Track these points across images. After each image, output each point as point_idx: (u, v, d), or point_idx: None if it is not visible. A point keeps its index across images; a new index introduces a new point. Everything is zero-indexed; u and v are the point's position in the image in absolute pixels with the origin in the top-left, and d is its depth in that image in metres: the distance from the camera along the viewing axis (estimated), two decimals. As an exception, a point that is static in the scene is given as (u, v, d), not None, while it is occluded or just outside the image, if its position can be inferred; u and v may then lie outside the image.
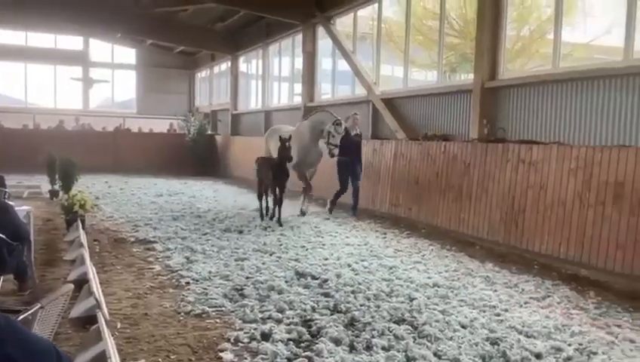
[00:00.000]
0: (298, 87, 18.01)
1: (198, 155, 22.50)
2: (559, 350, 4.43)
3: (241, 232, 9.26)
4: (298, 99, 17.80)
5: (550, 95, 8.41)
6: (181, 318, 5.04)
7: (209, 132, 24.30)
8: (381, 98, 12.63)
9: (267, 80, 20.61)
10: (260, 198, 10.94)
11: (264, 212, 10.81)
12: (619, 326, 5.17)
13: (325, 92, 16.93)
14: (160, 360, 4.11)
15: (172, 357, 4.17)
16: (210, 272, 6.55)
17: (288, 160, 9.89)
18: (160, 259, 7.26)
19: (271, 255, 7.59)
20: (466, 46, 12.42)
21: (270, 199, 10.87)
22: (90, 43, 26.97)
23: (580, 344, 4.59)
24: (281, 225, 9.91)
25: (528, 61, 10.88)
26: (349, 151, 10.96)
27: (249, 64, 23.04)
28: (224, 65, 25.09)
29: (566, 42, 8.77)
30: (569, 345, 4.56)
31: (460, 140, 9.98)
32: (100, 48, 27.25)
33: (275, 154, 10.71)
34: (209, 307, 5.30)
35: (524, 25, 11.15)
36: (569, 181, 7.40)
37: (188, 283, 6.15)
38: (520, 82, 8.95)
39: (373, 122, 13.17)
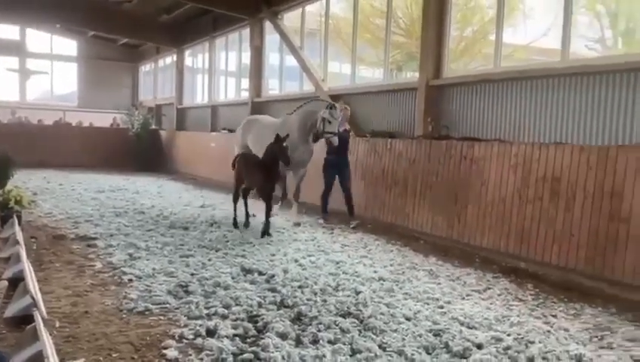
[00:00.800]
0: (245, 82, 17.88)
1: (141, 150, 21.96)
2: (499, 340, 4.56)
3: (186, 229, 9.10)
4: (245, 95, 17.67)
5: (491, 94, 8.66)
6: (123, 316, 4.91)
7: (153, 127, 23.76)
8: (329, 94, 12.66)
9: (214, 74, 20.34)
10: (235, 201, 9.46)
11: (238, 218, 9.37)
12: (554, 316, 5.39)
13: (273, 87, 16.87)
14: (101, 359, 3.99)
15: (114, 355, 4.05)
16: (154, 269, 6.40)
17: (286, 162, 8.45)
18: (101, 256, 7.05)
19: (217, 251, 7.50)
20: (412, 45, 12.63)
21: (251, 203, 9.67)
22: (27, 33, 25.84)
23: (519, 334, 4.74)
24: (269, 234, 8.53)
25: (471, 61, 11.17)
26: (337, 149, 9.59)
27: (195, 58, 22.68)
28: (169, 59, 24.60)
29: (507, 43, 9.05)
30: (508, 335, 4.71)
31: (405, 137, 10.14)
32: (38, 38, 26.15)
33: (255, 149, 9.83)
34: (152, 304, 5.18)
35: (468, 26, 11.44)
36: (509, 177, 7.64)
37: (131, 280, 5.99)
38: (463, 81, 9.17)
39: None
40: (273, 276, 6.27)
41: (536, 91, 7.92)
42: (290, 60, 15.22)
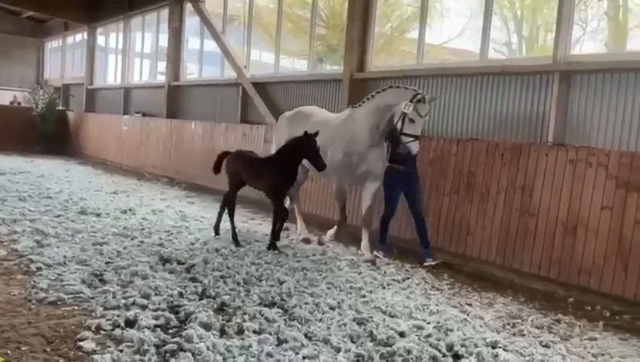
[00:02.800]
0: (162, 65, 17.26)
1: (47, 132, 20.62)
2: (420, 328, 4.69)
3: (98, 215, 8.66)
4: (162, 78, 17.06)
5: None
6: (32, 306, 4.59)
7: (60, 107, 22.41)
8: (252, 82, 12.49)
9: (128, 55, 19.45)
10: (225, 205, 7.79)
11: (221, 226, 7.84)
12: (470, 304, 5.63)
13: (191, 72, 16.39)
14: (9, 352, 3.70)
15: (23, 348, 3.77)
16: (65, 257, 6.04)
17: (319, 166, 6.76)
18: (5, 243, 6.56)
19: (132, 239, 7.19)
20: (333, 37, 12.71)
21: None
22: None
23: (438, 322, 4.90)
24: (275, 248, 7.08)
25: (389, 57, 11.40)
26: (404, 157, 7.10)
27: (107, 37, 21.58)
28: (79, 36, 23.26)
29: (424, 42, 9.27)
30: (428, 323, 4.85)
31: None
32: None
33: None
34: (65, 294, 4.88)
35: (387, 22, 11.66)
36: (427, 171, 7.87)
37: (39, 268, 5.61)
38: (387, 75, 9.33)
39: (242, 106, 13.00)
40: (194, 265, 6.11)
41: (455, 89, 8.20)
42: (210, 45, 14.85)
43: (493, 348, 4.40)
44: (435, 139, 8.04)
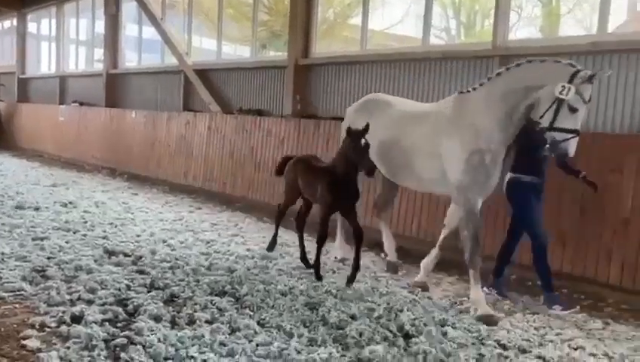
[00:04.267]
0: (99, 53, 16.67)
1: (-25, 124, 19.59)
2: (371, 310, 4.77)
3: (37, 209, 8.31)
4: (99, 66, 16.48)
5: (358, 75, 8.93)
6: (-30, 306, 4.38)
7: (-11, 98, 21.32)
8: (194, 69, 12.24)
9: (62, 42, 18.65)
10: (279, 219, 6.71)
11: (278, 244, 6.75)
12: (424, 288, 5.74)
13: (130, 59, 15.91)
14: (-54, 355, 3.53)
15: (-38, 350, 3.60)
16: (2, 253, 5.77)
17: (368, 171, 5.24)
18: None
19: (75, 233, 6.95)
20: (277, 23, 12.61)
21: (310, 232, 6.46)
22: None
23: (388, 303, 4.98)
24: (351, 281, 5.53)
25: (333, 43, 11.43)
26: (536, 163, 5.31)
27: (39, 23, 20.62)
28: (8, 23, 22.13)
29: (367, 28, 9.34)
30: (379, 305, 4.93)
31: (274, 115, 10.14)
32: None
33: (384, 156, 5.97)
34: (5, 292, 4.70)
35: (330, 8, 11.67)
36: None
37: (-25, 266, 5.35)
38: (332, 61, 9.35)
39: (185, 94, 12.75)
40: (140, 257, 5.99)
41: (399, 74, 8.30)
42: (150, 32, 14.45)
43: (442, 326, 4.53)
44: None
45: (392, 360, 3.81)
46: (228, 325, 4.26)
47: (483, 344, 4.23)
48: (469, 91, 5.42)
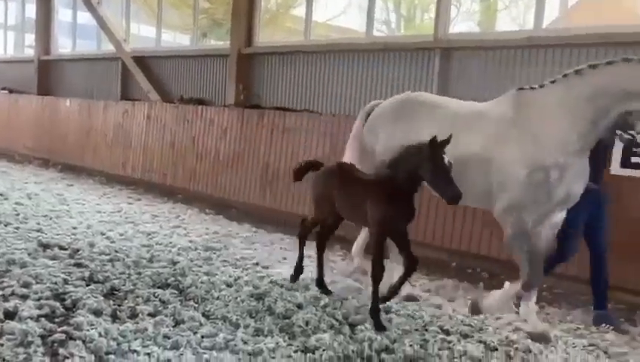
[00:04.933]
0: (30, 38, 15.89)
1: None
2: (317, 299, 4.79)
3: (-39, 202, 7.87)
4: (30, 52, 15.72)
5: (302, 65, 8.92)
6: None
7: None
8: (132, 56, 11.86)
9: (-12, 26, 17.65)
10: (303, 239, 5.41)
11: (303, 270, 5.39)
12: (367, 274, 5.80)
13: (64, 45, 15.24)
14: None
15: None
16: None
17: (454, 197, 4.10)
18: None
19: (7, 226, 6.60)
20: (218, 11, 12.38)
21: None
22: None
23: (334, 291, 5.04)
24: (379, 325, 4.31)
25: (276, 33, 11.35)
26: (598, 169, 4.79)
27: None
28: None
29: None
30: (330, 293, 4.96)
31: (217, 105, 9.98)
32: None
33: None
34: None
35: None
36: (318, 147, 7.98)
37: None
38: (275, 51, 9.29)
39: (122, 82, 12.34)
40: (78, 250, 5.78)
41: (343, 65, 8.34)
42: (85, 17, 13.89)
43: (387, 313, 4.60)
44: (325, 115, 8.14)
45: (338, 348, 3.83)
46: (172, 317, 4.17)
47: (427, 330, 4.33)
48: (529, 88, 4.53)
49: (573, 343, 4.29)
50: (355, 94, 8.20)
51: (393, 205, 4.42)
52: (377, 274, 4.45)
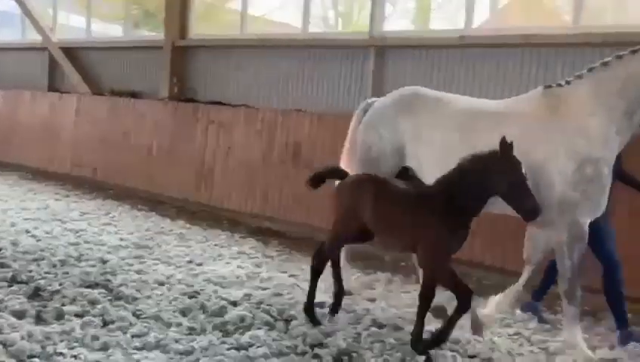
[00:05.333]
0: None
1: None
2: (252, 296, 4.77)
3: None
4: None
5: (238, 59, 8.82)
6: None
7: None
8: (60, 47, 11.36)
9: None
10: (320, 267, 4.48)
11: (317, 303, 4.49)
12: (302, 268, 5.82)
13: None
14: None
15: None
16: None
17: (533, 211, 3.66)
18: None
19: None
20: (150, 2, 12.05)
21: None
22: None
23: (269, 288, 5.02)
24: (425, 353, 3.85)
25: (211, 27, 11.18)
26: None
27: None
28: None
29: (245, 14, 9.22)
30: (263, 289, 4.95)
31: (149, 98, 9.73)
32: None
33: (430, 172, 4.31)
34: None
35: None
36: (255, 142, 7.94)
37: None
38: (211, 44, 9.16)
39: (50, 73, 11.81)
40: (0, 249, 5.49)
41: (279, 60, 8.31)
42: (6, 4, 13.18)
43: (321, 308, 4.62)
44: (262, 110, 8.10)
45: (272, 344, 3.83)
46: (100, 318, 4.05)
47: (359, 323, 4.38)
48: (560, 85, 4.27)
49: (499, 332, 4.46)
50: (292, 90, 8.19)
51: (450, 228, 3.77)
52: (423, 310, 3.86)
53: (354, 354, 3.81)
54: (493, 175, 3.61)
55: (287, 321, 4.30)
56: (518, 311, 4.83)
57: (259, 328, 4.11)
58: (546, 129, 4.12)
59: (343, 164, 4.99)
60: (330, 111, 7.66)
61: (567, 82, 4.24)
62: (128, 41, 10.64)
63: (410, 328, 4.32)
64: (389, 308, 4.81)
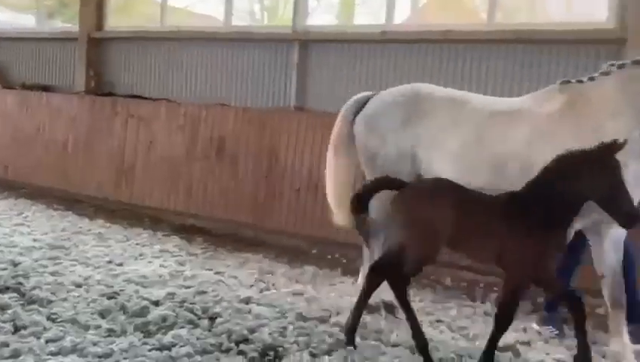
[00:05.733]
0: None
1: None
2: (175, 294, 4.64)
3: None
4: None
5: (158, 52, 8.58)
6: None
7: None
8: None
9: None
10: (373, 287, 3.86)
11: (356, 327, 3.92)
12: (227, 265, 5.77)
13: None
14: None
15: None
16: None
17: (635, 219, 3.20)
18: None
19: None
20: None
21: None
22: None
23: (193, 286, 4.91)
24: None
25: (130, 18, 10.80)
26: None
27: None
28: None
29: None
30: (186, 288, 4.84)
31: (64, 92, 9.28)
32: None
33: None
34: None
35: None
36: (177, 137, 7.75)
37: None
38: (129, 36, 8.86)
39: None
40: None
41: (201, 53, 8.15)
42: None
43: (247, 303, 4.59)
44: (184, 104, 7.92)
45: (196, 343, 3.74)
46: (11, 323, 3.82)
47: (285, 317, 4.37)
48: (580, 82, 4.00)
49: (421, 320, 4.57)
50: (216, 83, 8.06)
51: (543, 237, 3.37)
52: (503, 325, 3.45)
53: (279, 349, 3.79)
54: (590, 178, 3.21)
55: (212, 319, 4.22)
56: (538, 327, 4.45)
57: (182, 327, 4.00)
58: (567, 129, 3.82)
59: (329, 165, 4.71)
60: (255, 105, 7.60)
61: (591, 78, 3.96)
62: (41, 32, 10.09)
63: (335, 319, 4.38)
64: (315, 301, 4.83)
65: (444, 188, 3.62)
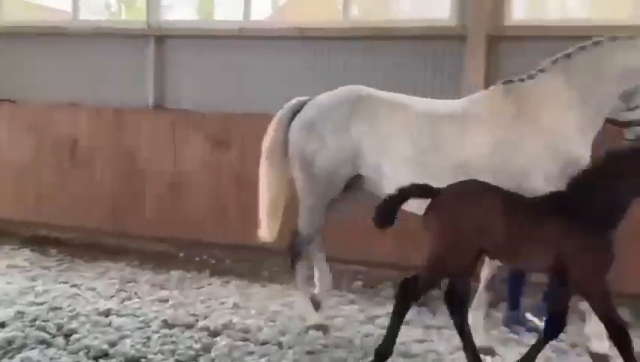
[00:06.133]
0: None
1: None
2: (24, 313, 4.28)
3: None
4: None
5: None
6: None
7: None
8: None
9: None
10: (406, 305, 3.30)
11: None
12: (85, 276, 5.42)
13: None
14: None
15: None
16: None
17: None
18: None
19: None
20: None
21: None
22: None
23: (46, 302, 4.56)
24: None
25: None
26: None
27: None
28: None
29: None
30: (35, 305, 4.48)
31: None
32: None
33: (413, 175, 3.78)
34: None
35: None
36: (24, 140, 7.14)
37: None
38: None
39: None
40: None
41: (46, 50, 7.52)
42: None
43: (107, 316, 4.35)
44: (31, 105, 7.30)
45: (49, 364, 3.47)
46: None
47: (149, 326, 4.19)
48: (521, 80, 3.92)
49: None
50: (65, 82, 7.47)
51: (604, 239, 3.14)
52: (627, 339, 3.09)
53: (142, 360, 3.63)
54: (634, 176, 3.09)
55: (67, 336, 3.96)
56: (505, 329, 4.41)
57: (32, 348, 3.72)
58: (520, 129, 3.79)
59: (263, 176, 4.48)
60: (110, 104, 7.17)
61: (530, 76, 3.91)
62: None
63: (203, 323, 4.27)
64: (181, 307, 4.68)
65: (497, 192, 3.31)
